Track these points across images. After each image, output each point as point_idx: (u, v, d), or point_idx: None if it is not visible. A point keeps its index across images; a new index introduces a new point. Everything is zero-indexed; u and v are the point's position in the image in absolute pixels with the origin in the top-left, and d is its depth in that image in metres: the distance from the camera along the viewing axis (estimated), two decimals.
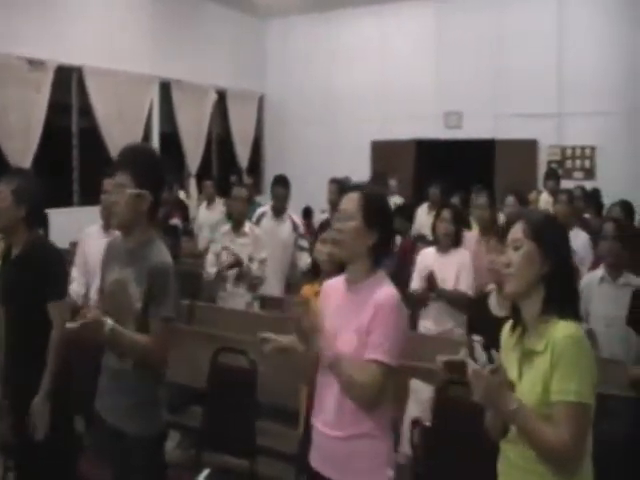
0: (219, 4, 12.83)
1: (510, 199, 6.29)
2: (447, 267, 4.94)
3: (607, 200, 9.12)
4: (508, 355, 2.30)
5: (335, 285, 2.74)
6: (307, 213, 10.72)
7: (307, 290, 3.87)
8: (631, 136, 11.12)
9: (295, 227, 6.71)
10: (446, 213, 5.02)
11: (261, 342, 2.76)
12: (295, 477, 3.72)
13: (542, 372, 2.14)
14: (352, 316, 2.56)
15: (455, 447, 3.38)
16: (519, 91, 11.88)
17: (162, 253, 2.89)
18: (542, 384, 2.12)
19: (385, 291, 2.54)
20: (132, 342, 2.78)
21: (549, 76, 11.68)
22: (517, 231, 2.26)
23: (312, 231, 8.04)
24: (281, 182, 6.72)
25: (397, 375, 2.56)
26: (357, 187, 2.71)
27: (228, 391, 4.00)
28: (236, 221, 6.01)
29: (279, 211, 6.73)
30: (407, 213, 8.09)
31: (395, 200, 10.42)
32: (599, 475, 2.19)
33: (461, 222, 5.05)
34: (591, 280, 4.79)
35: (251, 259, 5.79)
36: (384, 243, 2.63)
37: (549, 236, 2.24)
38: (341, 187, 8.09)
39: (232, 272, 5.76)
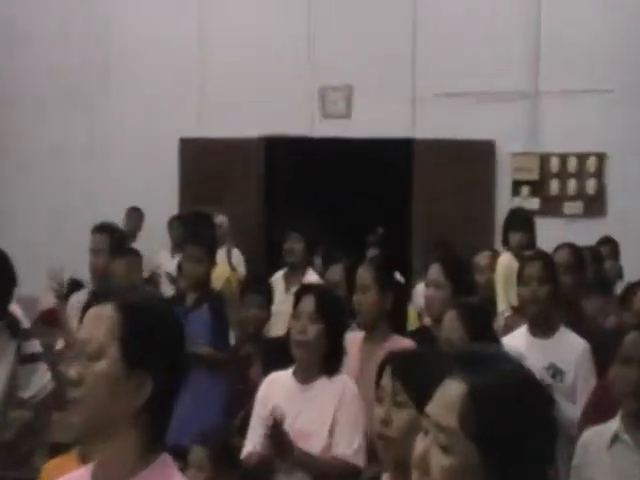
0: None
1: (435, 270, 5.41)
2: (311, 406, 4.16)
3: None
4: None
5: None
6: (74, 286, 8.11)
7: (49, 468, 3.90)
8: None
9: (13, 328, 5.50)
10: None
11: None
12: None
13: None
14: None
15: None
16: (467, 52, 10.47)
17: None
18: None
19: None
20: None
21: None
22: (446, 414, 1.80)
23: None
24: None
25: None
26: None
27: None
28: None
29: None
30: (261, 288, 6.61)
31: (235, 256, 9.70)
32: None
33: (340, 336, 4.40)
34: (595, 438, 3.99)
35: None
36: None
37: (504, 429, 1.77)
38: (115, 240, 6.98)
39: None
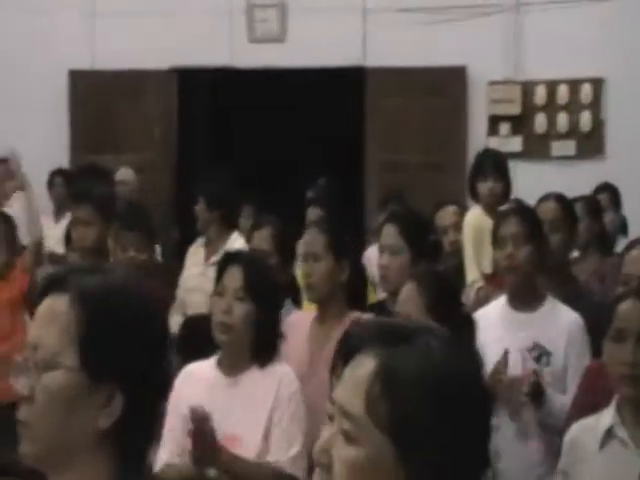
0: None
1: (389, 233, 5.47)
2: (241, 404, 4.12)
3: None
4: None
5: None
6: None
7: None
8: None
9: None
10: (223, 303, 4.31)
11: None
12: None
13: None
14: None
15: None
16: None
17: None
18: None
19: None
20: None
21: None
22: (351, 397, 1.80)
23: None
24: None
25: None
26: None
27: None
28: None
29: None
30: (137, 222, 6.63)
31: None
32: None
33: (274, 316, 4.47)
34: (584, 434, 4.04)
35: None
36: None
37: (420, 420, 1.76)
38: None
39: None
